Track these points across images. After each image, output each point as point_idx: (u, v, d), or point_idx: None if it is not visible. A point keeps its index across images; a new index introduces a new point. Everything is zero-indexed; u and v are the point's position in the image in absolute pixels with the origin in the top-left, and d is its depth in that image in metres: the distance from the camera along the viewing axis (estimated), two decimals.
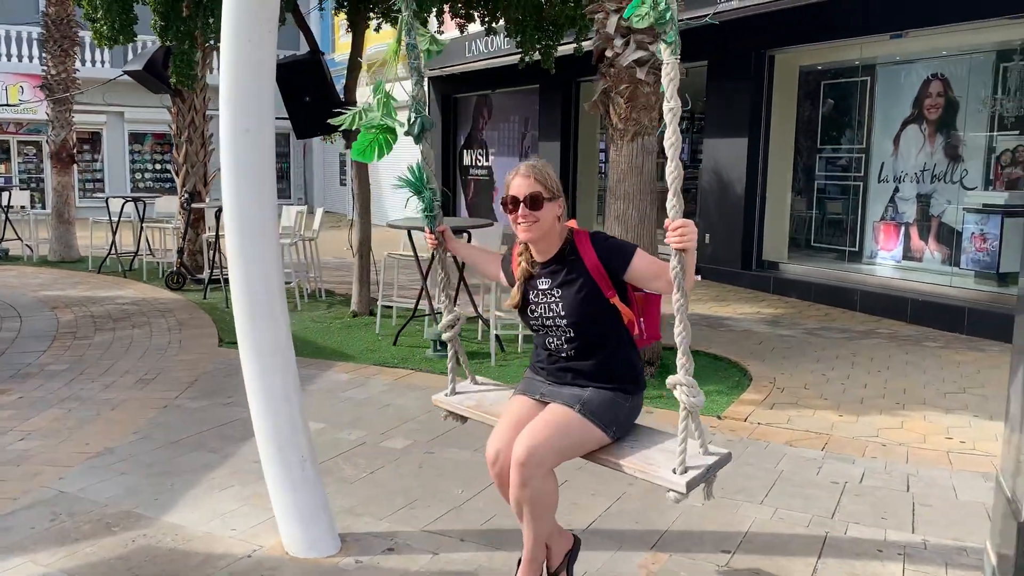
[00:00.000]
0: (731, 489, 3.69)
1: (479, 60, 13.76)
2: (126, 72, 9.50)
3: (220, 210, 7.60)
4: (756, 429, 4.56)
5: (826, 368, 6.00)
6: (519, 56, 8.54)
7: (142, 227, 10.58)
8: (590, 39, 7.37)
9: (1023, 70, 7.49)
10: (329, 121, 2.94)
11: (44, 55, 11.95)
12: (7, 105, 19.02)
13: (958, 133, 8.05)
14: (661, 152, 2.90)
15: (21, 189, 16.73)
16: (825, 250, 9.60)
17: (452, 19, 8.49)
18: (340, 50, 18.94)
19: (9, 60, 19.56)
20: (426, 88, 16.75)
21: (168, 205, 11.50)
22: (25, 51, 19.61)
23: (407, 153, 3.17)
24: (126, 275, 10.35)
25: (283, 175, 24.49)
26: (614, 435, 2.62)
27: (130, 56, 16.39)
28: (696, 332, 6.89)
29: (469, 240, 6.60)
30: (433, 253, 3.05)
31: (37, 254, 12.06)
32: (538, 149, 13.88)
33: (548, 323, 2.70)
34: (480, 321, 6.67)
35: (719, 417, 4.76)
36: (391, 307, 7.24)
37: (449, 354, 3.09)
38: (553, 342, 2.73)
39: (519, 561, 2.68)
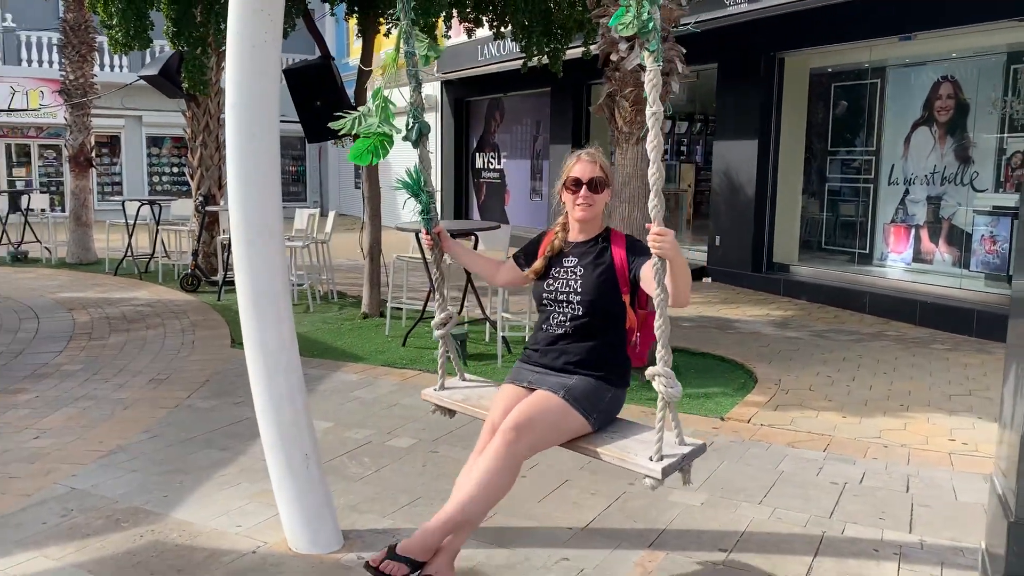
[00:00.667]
0: (731, 489, 3.73)
1: (491, 64, 13.85)
2: (142, 77, 9.64)
3: None
4: (759, 430, 4.59)
5: (832, 370, 6.00)
6: (524, 61, 8.60)
7: (158, 230, 10.71)
8: (597, 43, 7.41)
9: None
10: (329, 125, 3.01)
11: (63, 60, 12.13)
12: (28, 110, 19.30)
13: (968, 135, 8.02)
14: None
15: (41, 192, 16.98)
16: (835, 252, 9.58)
17: (460, 24, 8.56)
18: (355, 54, 19.07)
19: (30, 65, 19.85)
20: (438, 92, 16.87)
21: (183, 208, 11.62)
22: (45, 56, 19.88)
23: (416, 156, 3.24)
24: (142, 277, 10.48)
25: (299, 178, 24.67)
26: (595, 424, 2.73)
27: (147, 61, 16.61)
28: (704, 334, 6.90)
29: (477, 242, 6.67)
30: (432, 253, 3.14)
31: (55, 257, 12.24)
32: (549, 152, 13.93)
33: (561, 297, 2.82)
34: (487, 323, 6.73)
35: (722, 418, 4.79)
36: (400, 309, 7.31)
37: (440, 351, 3.17)
38: (557, 318, 2.84)
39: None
